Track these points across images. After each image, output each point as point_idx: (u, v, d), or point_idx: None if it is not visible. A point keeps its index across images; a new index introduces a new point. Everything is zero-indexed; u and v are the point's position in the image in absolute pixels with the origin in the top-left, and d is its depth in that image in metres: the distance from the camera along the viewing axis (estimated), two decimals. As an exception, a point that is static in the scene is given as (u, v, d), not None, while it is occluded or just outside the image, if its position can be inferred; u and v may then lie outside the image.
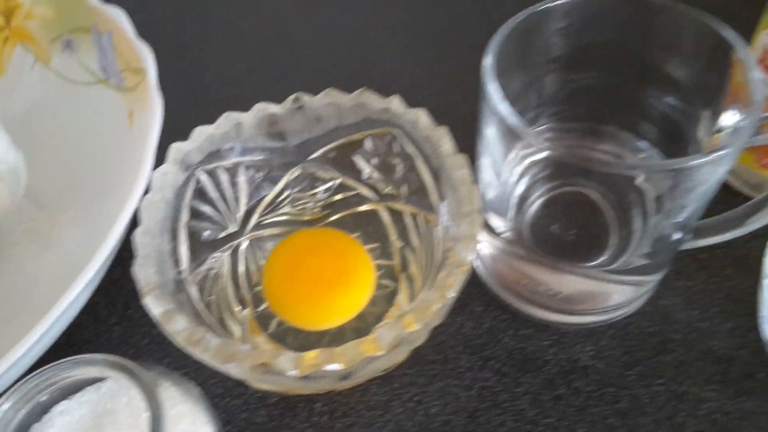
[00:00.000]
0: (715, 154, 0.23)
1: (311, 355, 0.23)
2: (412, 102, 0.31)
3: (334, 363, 0.23)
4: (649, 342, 0.32)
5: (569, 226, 0.33)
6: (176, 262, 0.29)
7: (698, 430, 0.29)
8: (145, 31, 0.36)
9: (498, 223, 0.31)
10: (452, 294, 0.25)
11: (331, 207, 0.35)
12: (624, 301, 0.32)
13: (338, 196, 0.35)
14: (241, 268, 0.33)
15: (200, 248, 0.31)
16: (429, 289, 0.26)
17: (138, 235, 0.27)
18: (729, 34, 0.26)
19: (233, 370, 0.23)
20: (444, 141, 0.30)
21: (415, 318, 0.24)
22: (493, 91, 0.25)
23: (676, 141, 0.29)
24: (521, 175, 0.31)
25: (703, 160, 0.23)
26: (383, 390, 0.32)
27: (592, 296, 0.32)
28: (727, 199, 0.33)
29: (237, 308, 0.31)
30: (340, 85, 0.32)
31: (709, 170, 0.24)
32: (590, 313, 0.32)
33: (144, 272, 0.26)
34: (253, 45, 0.51)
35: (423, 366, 0.32)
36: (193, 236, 0.31)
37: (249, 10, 0.53)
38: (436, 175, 0.31)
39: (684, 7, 0.27)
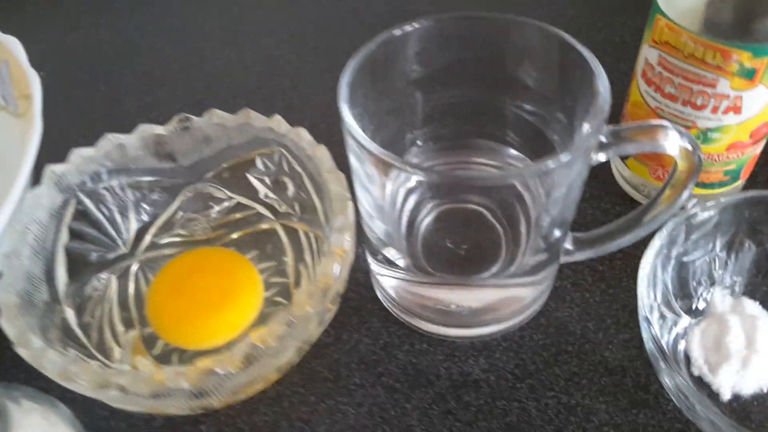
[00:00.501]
0: (552, 163, 0.23)
1: (159, 375, 0.23)
2: (328, 124, 0.31)
3: (182, 381, 0.23)
4: (542, 354, 0.32)
5: (461, 241, 0.33)
6: (51, 283, 0.29)
7: (586, 442, 0.29)
8: (63, 59, 0.36)
9: (393, 252, 0.31)
10: (309, 310, 0.25)
11: (229, 226, 0.35)
12: (524, 306, 0.32)
13: (237, 215, 0.35)
14: (131, 290, 0.33)
15: (84, 269, 0.31)
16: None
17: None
18: (581, 48, 0.26)
19: (76, 387, 0.23)
20: (324, 158, 0.30)
21: (269, 333, 0.24)
22: (347, 117, 0.25)
23: (541, 146, 0.30)
24: (405, 200, 0.31)
25: (536, 168, 0.23)
26: (272, 410, 0.31)
27: (493, 306, 0.32)
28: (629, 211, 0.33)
29: (122, 330, 0.31)
30: (257, 107, 0.32)
31: (563, 173, 0.25)
32: (489, 323, 0.32)
33: (2, 295, 0.25)
34: (172, 71, 0.51)
35: (315, 384, 0.32)
36: (76, 258, 0.31)
37: (173, 37, 0.54)
38: (320, 193, 0.31)
39: (533, 21, 0.27)
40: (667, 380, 0.27)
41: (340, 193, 0.28)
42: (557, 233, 0.29)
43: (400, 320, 0.34)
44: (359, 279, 0.36)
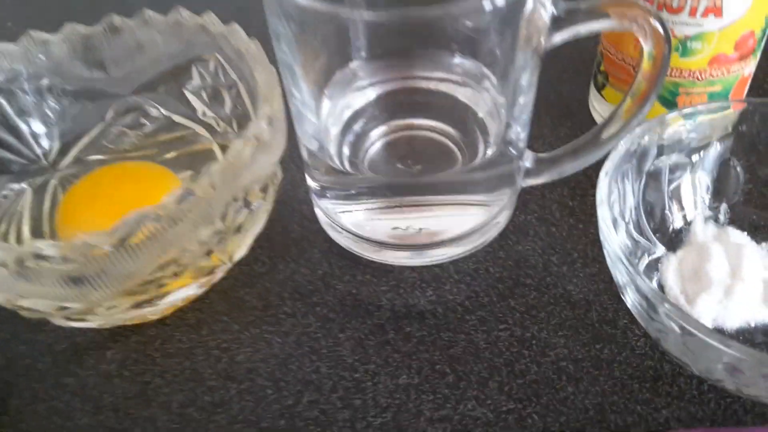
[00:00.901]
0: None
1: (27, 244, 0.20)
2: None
3: (51, 248, 0.20)
4: (497, 287, 0.28)
5: (413, 162, 0.30)
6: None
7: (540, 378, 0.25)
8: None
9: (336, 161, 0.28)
10: (210, 190, 0.22)
11: (163, 146, 0.32)
12: (478, 227, 0.28)
13: (173, 134, 0.32)
14: (47, 203, 0.30)
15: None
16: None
17: None
18: None
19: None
20: (257, 55, 0.27)
21: (158, 207, 0.21)
22: None
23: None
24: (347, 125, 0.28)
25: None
26: (189, 337, 0.28)
27: (445, 226, 0.28)
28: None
29: (29, 239, 0.28)
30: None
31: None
32: (440, 246, 0.29)
33: None
34: None
35: (241, 312, 0.28)
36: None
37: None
38: (256, 104, 0.28)
39: None
40: (625, 286, 0.23)
41: (269, 83, 0.26)
42: (513, 134, 0.26)
43: (344, 251, 0.30)
44: (303, 211, 0.32)
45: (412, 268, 0.29)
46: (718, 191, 0.29)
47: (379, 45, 0.27)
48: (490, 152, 0.28)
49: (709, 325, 0.25)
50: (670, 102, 0.31)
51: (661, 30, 0.24)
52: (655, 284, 0.27)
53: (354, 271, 0.30)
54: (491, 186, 0.28)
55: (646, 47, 0.25)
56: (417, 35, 0.27)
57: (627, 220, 0.26)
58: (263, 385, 0.26)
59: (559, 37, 0.25)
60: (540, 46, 0.25)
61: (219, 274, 0.27)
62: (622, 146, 0.25)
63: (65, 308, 0.22)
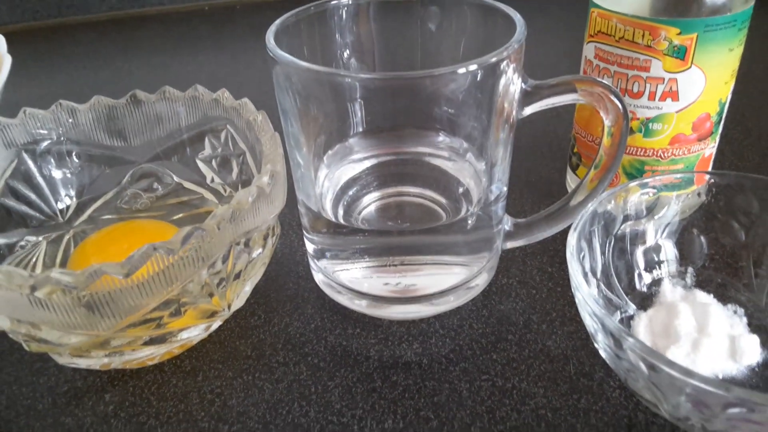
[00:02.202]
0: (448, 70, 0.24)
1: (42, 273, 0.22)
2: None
3: (64, 276, 0.22)
4: (480, 342, 0.30)
5: (401, 222, 0.32)
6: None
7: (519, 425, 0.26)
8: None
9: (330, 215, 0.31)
10: (214, 227, 0.24)
11: (172, 208, 0.35)
12: (457, 284, 0.30)
13: (182, 198, 0.35)
14: (60, 255, 0.32)
15: (16, 228, 0.31)
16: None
17: None
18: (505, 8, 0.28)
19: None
20: (263, 124, 0.30)
21: (166, 243, 0.23)
22: (275, 50, 0.26)
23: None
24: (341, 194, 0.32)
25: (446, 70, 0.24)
26: (184, 382, 0.29)
27: (430, 283, 0.30)
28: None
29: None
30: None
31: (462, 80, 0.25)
32: (425, 301, 0.30)
33: None
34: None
35: (235, 360, 0.30)
36: (10, 215, 0.30)
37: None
38: (259, 164, 0.31)
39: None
40: (595, 331, 0.25)
41: (272, 146, 0.29)
42: (492, 197, 0.29)
43: (336, 307, 0.32)
44: (299, 272, 0.34)
45: (400, 323, 0.31)
46: (683, 256, 0.31)
47: (372, 122, 0.31)
48: (471, 214, 0.30)
49: (679, 376, 0.26)
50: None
51: (619, 106, 0.28)
52: (627, 339, 0.28)
53: (345, 325, 0.31)
54: (472, 247, 0.31)
55: (607, 122, 0.28)
56: (406, 114, 0.31)
57: (598, 277, 0.29)
58: (253, 427, 0.27)
59: (530, 109, 0.28)
60: (512, 118, 0.28)
61: (218, 321, 0.29)
62: (590, 208, 0.28)
63: (74, 337, 0.24)
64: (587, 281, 0.27)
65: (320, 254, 0.32)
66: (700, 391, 0.21)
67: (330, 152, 0.32)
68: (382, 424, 0.27)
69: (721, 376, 0.27)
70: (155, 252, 0.23)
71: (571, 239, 0.27)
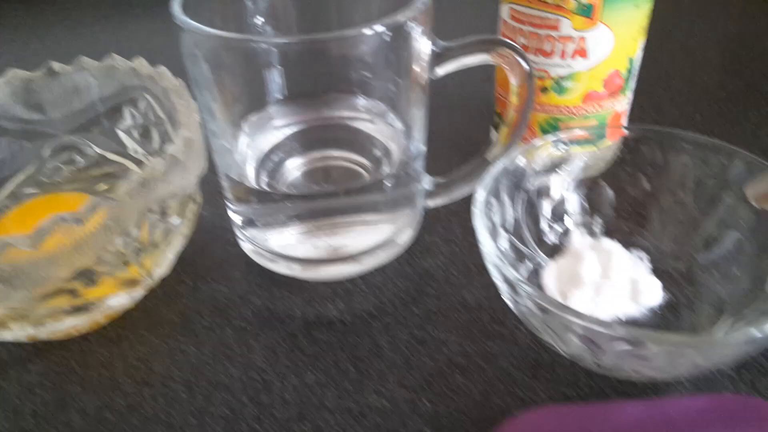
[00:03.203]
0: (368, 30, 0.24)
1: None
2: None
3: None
4: (402, 297, 0.31)
5: (328, 185, 0.33)
6: None
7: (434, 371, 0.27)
8: None
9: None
10: (125, 197, 0.24)
11: (95, 180, 0.35)
12: (382, 242, 0.31)
13: (105, 169, 0.35)
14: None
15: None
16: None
17: None
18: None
19: None
20: (180, 91, 0.30)
21: (74, 210, 0.23)
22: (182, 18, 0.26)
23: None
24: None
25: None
26: (109, 350, 0.29)
27: (352, 241, 0.31)
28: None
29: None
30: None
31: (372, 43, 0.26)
32: (349, 261, 0.31)
33: None
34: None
35: (160, 327, 0.30)
36: None
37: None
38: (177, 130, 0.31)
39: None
40: (495, 280, 0.26)
41: (187, 113, 0.29)
42: (412, 156, 0.30)
43: (263, 272, 0.33)
44: (228, 239, 0.35)
45: (326, 284, 0.32)
46: (592, 207, 0.32)
47: (290, 88, 0.31)
48: (392, 173, 0.31)
49: (583, 319, 0.28)
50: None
51: (524, 65, 0.28)
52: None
53: (271, 289, 0.32)
54: (395, 205, 0.32)
55: (513, 82, 0.29)
56: (322, 79, 0.31)
57: (510, 230, 0.30)
58: (176, 388, 0.27)
59: (442, 70, 0.29)
60: (424, 79, 0.29)
61: (141, 290, 0.29)
62: (499, 165, 0.29)
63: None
64: (497, 235, 0.29)
65: (248, 224, 0.32)
66: (586, 329, 0.22)
67: (249, 120, 0.32)
68: (303, 378, 0.28)
69: (623, 318, 0.28)
70: (63, 222, 0.23)
71: (479, 195, 0.28)
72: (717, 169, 0.29)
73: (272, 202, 0.32)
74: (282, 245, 0.32)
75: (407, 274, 0.32)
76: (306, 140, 0.34)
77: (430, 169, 0.33)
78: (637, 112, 0.44)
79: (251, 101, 0.31)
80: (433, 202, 0.33)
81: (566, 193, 0.32)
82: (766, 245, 0.27)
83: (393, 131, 0.32)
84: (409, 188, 0.31)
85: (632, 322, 0.28)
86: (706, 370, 0.25)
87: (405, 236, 0.33)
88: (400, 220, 0.32)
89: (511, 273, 0.24)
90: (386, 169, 0.32)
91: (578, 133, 0.31)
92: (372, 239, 0.31)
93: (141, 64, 0.32)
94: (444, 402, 0.26)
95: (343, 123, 0.33)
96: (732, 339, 0.21)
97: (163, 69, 0.32)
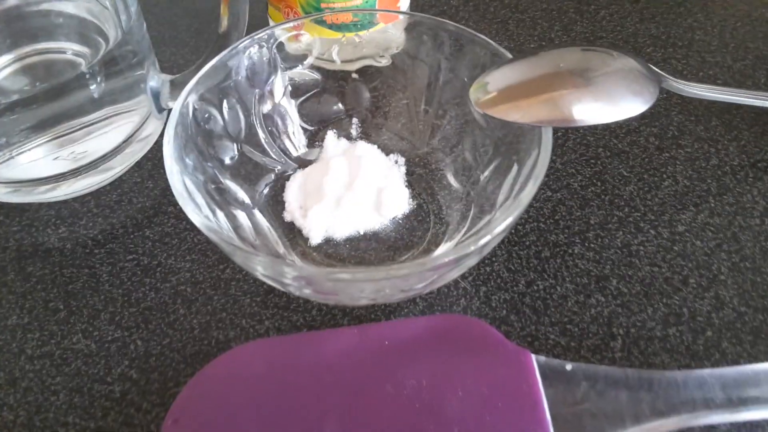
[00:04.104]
0: None
1: None
2: None
3: None
4: (136, 217, 0.28)
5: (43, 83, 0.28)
6: None
7: (156, 304, 0.25)
8: None
9: None
10: None
11: None
12: (129, 134, 0.27)
13: None
14: None
15: None
16: None
17: None
18: None
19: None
20: None
21: None
22: None
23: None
24: None
25: None
26: None
27: (96, 140, 0.27)
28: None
29: None
30: None
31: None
32: (99, 166, 0.27)
33: None
34: None
35: None
36: None
37: None
38: None
39: None
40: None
41: None
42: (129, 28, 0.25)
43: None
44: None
45: (50, 205, 0.28)
46: (348, 107, 0.29)
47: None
48: (111, 52, 0.26)
49: (321, 235, 0.26)
50: (317, 19, 0.31)
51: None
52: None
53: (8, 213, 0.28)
54: (125, 91, 0.27)
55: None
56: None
57: (242, 139, 0.26)
58: None
59: None
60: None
61: None
62: (218, 63, 0.25)
63: None
64: (222, 149, 0.25)
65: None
66: (265, 265, 0.20)
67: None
68: (5, 320, 0.25)
69: (362, 231, 0.26)
70: None
71: (177, 109, 0.23)
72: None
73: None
74: (21, 168, 0.27)
75: (147, 190, 0.29)
76: (4, 35, 0.28)
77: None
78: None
79: None
80: (173, 102, 0.29)
81: (317, 89, 0.28)
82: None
83: (99, 7, 0.27)
84: (135, 69, 0.27)
85: (372, 235, 0.26)
86: (430, 290, 0.24)
87: (152, 127, 0.29)
88: (137, 108, 0.28)
89: (200, 220, 0.21)
90: (103, 49, 0.27)
91: (338, 14, 0.27)
92: (116, 137, 0.27)
93: None
94: (158, 339, 0.24)
95: (49, 8, 0.28)
96: (402, 270, 0.19)
97: None
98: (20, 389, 0.23)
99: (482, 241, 0.19)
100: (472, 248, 0.19)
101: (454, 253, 0.19)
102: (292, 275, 0.19)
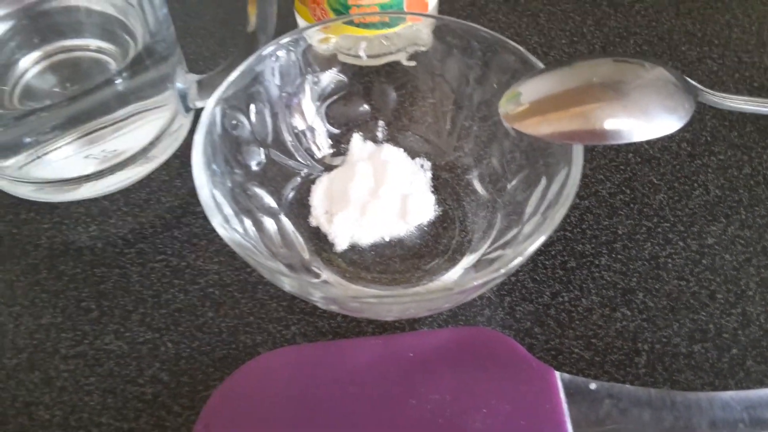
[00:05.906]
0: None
1: None
2: None
3: None
4: (165, 217, 0.28)
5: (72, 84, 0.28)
6: None
7: (187, 304, 0.25)
8: None
9: None
10: None
11: None
12: (162, 129, 0.28)
13: None
14: None
15: None
16: None
17: None
18: None
19: None
20: None
21: None
22: None
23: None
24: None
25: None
26: None
27: (128, 137, 0.27)
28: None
29: None
30: None
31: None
32: (132, 164, 0.28)
33: None
34: None
35: None
36: None
37: None
38: None
39: None
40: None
41: None
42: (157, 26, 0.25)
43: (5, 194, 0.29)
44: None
45: (80, 203, 0.29)
46: (374, 110, 0.29)
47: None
48: (138, 50, 0.26)
49: (347, 242, 0.26)
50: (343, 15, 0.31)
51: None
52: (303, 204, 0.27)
53: (18, 210, 0.28)
54: (152, 89, 0.27)
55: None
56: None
57: (269, 144, 0.26)
58: None
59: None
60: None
61: None
62: (246, 68, 0.25)
63: None
64: (250, 152, 0.25)
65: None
66: (291, 284, 0.20)
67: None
68: (39, 319, 0.25)
69: (388, 238, 0.26)
70: None
71: (206, 114, 0.23)
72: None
73: (17, 120, 0.27)
74: (50, 168, 0.27)
75: (176, 189, 0.29)
76: (33, 31, 0.28)
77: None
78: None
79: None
80: (201, 103, 0.29)
81: (345, 92, 0.28)
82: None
83: (124, 3, 0.27)
84: (163, 63, 0.27)
85: (397, 242, 0.26)
86: (453, 306, 0.24)
87: (183, 119, 0.29)
88: (167, 107, 0.28)
89: (219, 223, 0.21)
90: (132, 49, 0.27)
91: (369, 16, 0.27)
92: (148, 132, 0.27)
93: None
94: (187, 342, 0.25)
95: (78, 4, 0.28)
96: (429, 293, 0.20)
97: None
98: (56, 389, 0.23)
99: (513, 264, 0.19)
100: (503, 271, 0.19)
101: (482, 277, 0.19)
102: (318, 296, 0.19)
